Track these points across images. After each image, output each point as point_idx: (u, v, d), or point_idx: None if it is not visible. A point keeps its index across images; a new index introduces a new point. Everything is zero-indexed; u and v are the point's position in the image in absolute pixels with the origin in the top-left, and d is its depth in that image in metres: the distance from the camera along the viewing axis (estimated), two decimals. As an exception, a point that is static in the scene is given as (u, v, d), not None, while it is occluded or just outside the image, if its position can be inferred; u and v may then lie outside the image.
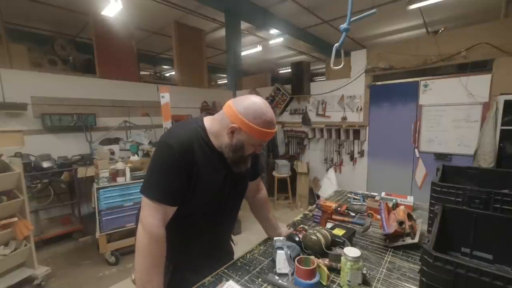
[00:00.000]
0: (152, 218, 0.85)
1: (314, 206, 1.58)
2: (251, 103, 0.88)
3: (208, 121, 0.96)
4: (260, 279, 0.96)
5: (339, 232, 1.14)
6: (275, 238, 1.08)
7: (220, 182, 0.98)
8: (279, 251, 0.98)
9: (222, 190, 0.99)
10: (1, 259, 2.07)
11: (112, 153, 3.12)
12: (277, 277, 0.94)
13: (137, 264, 0.86)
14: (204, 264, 1.06)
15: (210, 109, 4.68)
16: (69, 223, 3.25)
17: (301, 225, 1.32)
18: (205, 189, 0.94)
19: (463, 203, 1.08)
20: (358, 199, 1.77)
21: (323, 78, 5.69)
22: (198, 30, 4.74)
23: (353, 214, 1.40)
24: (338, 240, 1.07)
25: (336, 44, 1.11)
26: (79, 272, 2.60)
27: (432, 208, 1.14)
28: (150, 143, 3.34)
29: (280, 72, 8.41)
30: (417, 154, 3.57)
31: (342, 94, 4.21)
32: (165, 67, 7.39)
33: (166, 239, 0.89)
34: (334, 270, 0.97)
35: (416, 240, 1.11)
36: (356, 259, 0.86)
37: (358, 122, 4.10)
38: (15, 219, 2.16)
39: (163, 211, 0.87)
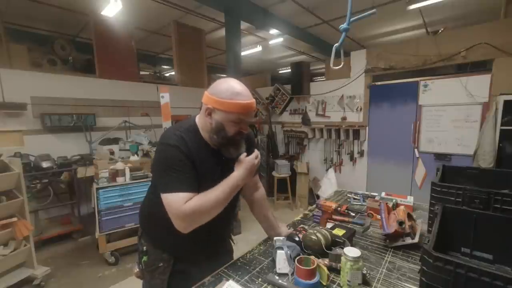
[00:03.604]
0: (175, 208, 0.88)
1: (314, 206, 1.58)
2: (219, 82, 0.94)
3: (198, 118, 1.02)
4: (260, 279, 0.96)
5: (339, 232, 1.13)
6: (275, 238, 1.08)
7: (216, 176, 0.99)
8: (279, 251, 0.98)
9: (217, 183, 1.00)
10: (0, 259, 2.07)
11: (112, 153, 3.11)
12: (277, 277, 0.94)
13: (221, 206, 0.94)
14: (204, 257, 1.08)
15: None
16: (69, 223, 3.25)
17: (301, 225, 1.32)
18: (202, 183, 0.96)
19: (463, 203, 1.08)
20: (358, 199, 1.77)
21: (323, 78, 5.69)
22: (198, 30, 4.74)
23: (353, 214, 1.41)
24: (338, 240, 1.07)
25: (336, 44, 1.11)
26: (79, 272, 2.59)
27: (432, 208, 1.14)
28: (150, 143, 3.33)
29: (280, 72, 8.39)
30: (417, 154, 3.57)
31: (342, 94, 4.21)
32: (165, 67, 7.36)
33: (166, 232, 0.95)
34: (334, 270, 0.97)
35: (416, 240, 1.11)
36: (356, 259, 0.86)
37: (358, 122, 4.10)
38: (15, 219, 2.16)
39: (183, 198, 0.90)
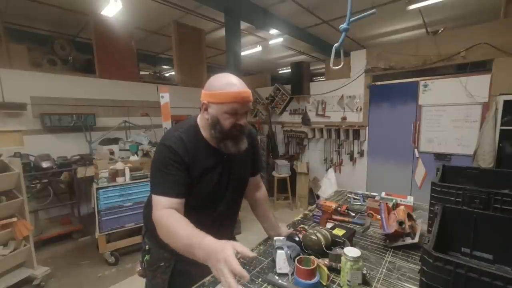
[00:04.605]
0: (161, 209, 0.89)
1: (314, 206, 1.58)
2: (212, 77, 0.94)
3: (199, 117, 1.02)
4: (260, 279, 0.96)
5: (339, 232, 1.13)
6: (275, 238, 1.08)
7: (216, 175, 1.00)
8: (279, 251, 0.98)
9: (220, 183, 1.01)
10: (0, 259, 2.07)
11: (112, 153, 3.11)
12: (277, 277, 0.94)
13: (174, 245, 0.82)
14: None
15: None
16: (69, 223, 3.25)
17: (301, 225, 1.32)
18: (203, 182, 0.97)
19: (463, 203, 1.08)
20: (358, 199, 1.77)
21: (323, 78, 5.69)
22: (198, 30, 4.73)
23: (353, 214, 1.40)
24: (338, 240, 1.07)
25: (336, 44, 1.12)
26: (79, 272, 2.59)
27: (432, 208, 1.14)
28: (149, 143, 3.33)
29: (280, 72, 8.39)
30: (417, 154, 3.57)
31: (341, 94, 4.21)
32: (165, 67, 7.36)
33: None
34: (334, 270, 0.97)
35: (416, 240, 1.11)
36: (356, 259, 0.86)
37: (357, 122, 4.10)
38: (15, 219, 2.16)
39: (171, 204, 0.90)
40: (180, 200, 0.92)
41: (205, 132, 0.98)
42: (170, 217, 0.85)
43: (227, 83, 0.89)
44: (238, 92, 0.88)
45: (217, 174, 1.00)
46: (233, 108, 0.89)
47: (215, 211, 1.04)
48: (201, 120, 0.99)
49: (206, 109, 0.93)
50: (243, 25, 3.84)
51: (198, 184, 0.96)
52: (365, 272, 0.91)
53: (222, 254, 0.67)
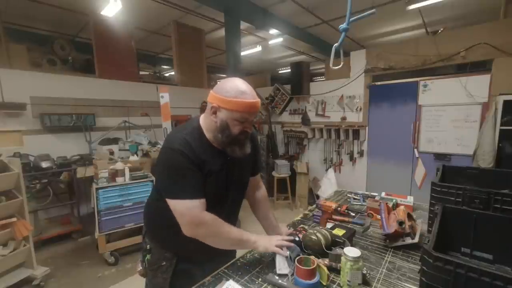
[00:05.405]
0: (193, 214, 0.91)
1: (314, 206, 1.58)
2: (225, 81, 0.95)
3: (202, 119, 1.01)
4: (260, 279, 0.96)
5: (339, 232, 1.13)
6: (275, 238, 1.08)
7: (219, 177, 1.00)
8: (279, 251, 0.98)
9: (222, 184, 1.01)
10: (0, 259, 2.07)
11: (112, 153, 3.11)
12: (277, 277, 0.94)
13: (221, 244, 0.98)
14: (206, 258, 1.08)
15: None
16: (68, 223, 3.24)
17: (301, 225, 1.32)
18: (207, 184, 0.96)
19: (463, 203, 1.08)
20: (358, 199, 1.77)
21: (322, 78, 5.70)
22: (198, 30, 4.74)
23: (353, 214, 1.40)
24: (338, 240, 1.07)
25: (336, 44, 1.12)
26: (79, 272, 2.59)
27: (432, 208, 1.14)
28: (149, 143, 3.33)
29: (280, 72, 8.40)
30: (417, 154, 3.57)
31: (341, 94, 4.21)
32: (165, 67, 7.37)
33: (171, 232, 0.97)
34: (334, 270, 0.97)
35: (416, 240, 1.11)
36: (356, 259, 0.86)
37: (357, 122, 4.10)
38: (14, 219, 2.16)
39: (198, 205, 0.92)
40: (204, 200, 0.94)
41: (208, 134, 0.98)
42: (217, 220, 0.94)
43: (241, 92, 0.90)
44: (251, 103, 0.91)
45: (221, 175, 1.00)
46: (243, 117, 0.92)
47: (217, 208, 1.04)
48: (205, 122, 0.99)
49: (215, 112, 0.93)
50: (243, 25, 3.84)
51: (205, 185, 0.96)
52: (365, 272, 0.91)
53: (274, 237, 1.04)
